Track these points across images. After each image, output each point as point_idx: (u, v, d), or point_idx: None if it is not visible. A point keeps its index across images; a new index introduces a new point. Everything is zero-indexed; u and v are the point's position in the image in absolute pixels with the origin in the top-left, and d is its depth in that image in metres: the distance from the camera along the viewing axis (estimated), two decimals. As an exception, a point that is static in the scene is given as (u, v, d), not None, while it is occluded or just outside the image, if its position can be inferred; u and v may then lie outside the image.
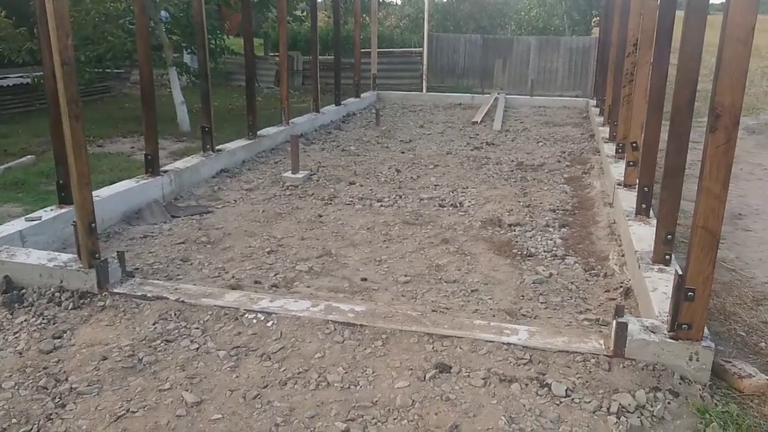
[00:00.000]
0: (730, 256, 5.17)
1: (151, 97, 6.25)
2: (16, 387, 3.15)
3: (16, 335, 3.65)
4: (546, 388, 3.07)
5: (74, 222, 4.03)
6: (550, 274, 4.67)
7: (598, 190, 6.86)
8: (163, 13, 10.90)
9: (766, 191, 7.23)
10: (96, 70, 10.91)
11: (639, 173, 5.21)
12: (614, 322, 3.31)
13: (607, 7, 11.23)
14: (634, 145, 6.00)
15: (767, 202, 6.74)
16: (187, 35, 11.09)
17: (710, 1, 3.90)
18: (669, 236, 4.11)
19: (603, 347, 3.37)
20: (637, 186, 5.45)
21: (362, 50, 13.54)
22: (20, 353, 3.46)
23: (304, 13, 15.91)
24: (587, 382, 3.12)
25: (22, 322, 3.78)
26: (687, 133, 3.94)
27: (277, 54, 19.36)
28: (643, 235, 4.73)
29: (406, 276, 4.63)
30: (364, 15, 16.11)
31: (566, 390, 3.05)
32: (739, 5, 2.78)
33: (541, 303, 4.21)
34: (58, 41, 3.63)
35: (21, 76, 12.27)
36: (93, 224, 4.03)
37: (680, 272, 3.20)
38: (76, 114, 3.82)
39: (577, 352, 3.34)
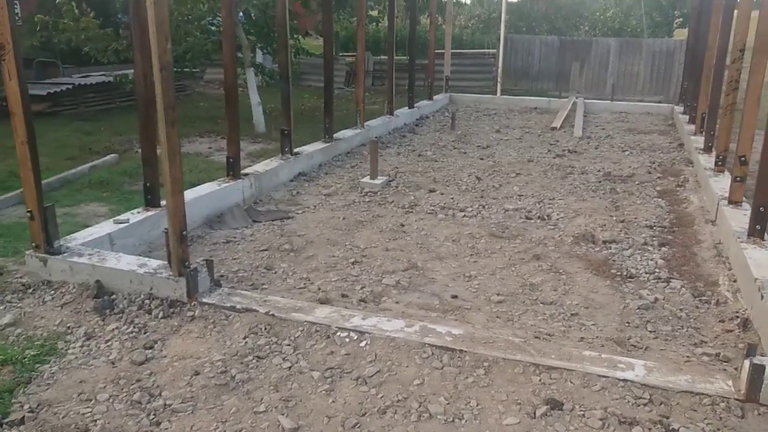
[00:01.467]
0: None
1: (234, 99, 6.20)
2: (111, 400, 3.09)
3: (108, 343, 3.61)
4: (672, 435, 2.79)
5: (166, 229, 3.97)
6: (656, 299, 4.33)
7: (697, 205, 6.42)
8: (240, 13, 10.97)
9: None
10: (176, 70, 11.04)
11: (755, 191, 4.79)
12: (748, 362, 2.98)
13: (701, 8, 10.61)
14: (743, 159, 5.56)
15: None
16: (262, 36, 11.12)
17: None
18: (798, 265, 3.73)
19: (733, 389, 3.05)
20: (750, 204, 5.03)
21: (435, 51, 13.30)
22: (113, 363, 3.41)
23: (378, 13, 15.78)
24: (718, 429, 2.82)
25: (113, 329, 3.74)
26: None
27: (346, 54, 19.42)
28: (760, 260, 4.34)
29: (498, 295, 4.38)
30: (438, 15, 15.85)
31: (696, 438, 2.76)
32: None
33: (650, 332, 3.89)
34: (158, 45, 3.56)
35: (103, 74, 12.60)
36: (184, 232, 3.96)
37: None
38: (173, 119, 3.76)
39: (703, 394, 3.03)
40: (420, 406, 3.00)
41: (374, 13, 15.60)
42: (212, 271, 4.12)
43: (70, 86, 11.61)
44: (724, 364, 3.47)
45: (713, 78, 7.94)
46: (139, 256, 4.49)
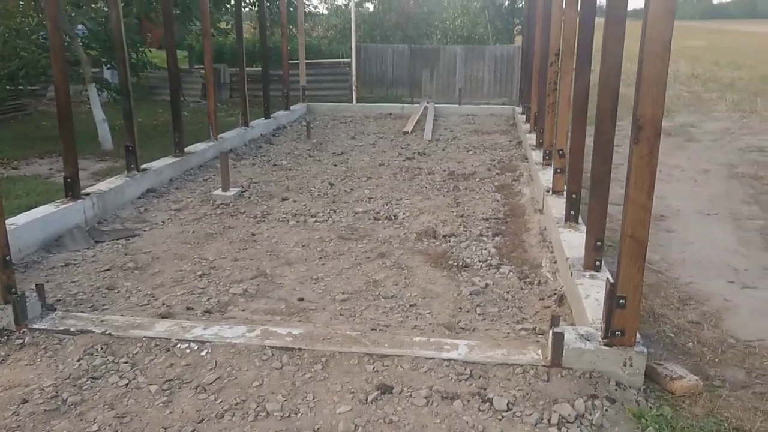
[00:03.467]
0: (655, 258, 5.37)
1: (68, 117, 5.95)
2: (-75, 440, 2.90)
3: (-76, 382, 3.37)
4: (488, 404, 3.08)
5: (-14, 255, 3.76)
6: (486, 285, 4.71)
7: (528, 197, 7.01)
8: (80, 27, 10.45)
9: (685, 192, 7.58)
10: (8, 87, 10.34)
11: (566, 180, 5.34)
12: (551, 332, 3.36)
13: (529, 16, 11.55)
14: (561, 152, 6.15)
15: (687, 203, 7.05)
16: (106, 50, 10.67)
17: (628, 8, 4.03)
18: (598, 243, 4.22)
19: (541, 358, 3.41)
20: (565, 193, 5.60)
21: (290, 62, 13.40)
22: (-71, 402, 3.20)
23: (229, 25, 15.62)
24: (527, 394, 3.15)
25: (-70, 366, 3.49)
26: (611, 141, 4.06)
27: (202, 67, 18.93)
28: (573, 241, 4.85)
29: (343, 294, 4.57)
30: (291, 26, 15.97)
31: (507, 404, 3.07)
32: (657, 22, 2.88)
33: (479, 315, 4.23)
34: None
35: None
36: (8, 257, 3.77)
37: (612, 280, 3.28)
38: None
39: (516, 364, 3.36)
40: (258, 406, 3.09)
41: (222, 25, 15.41)
42: (43, 295, 3.96)
43: None
44: (539, 336, 3.86)
45: (539, 80, 8.68)
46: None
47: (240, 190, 7.24)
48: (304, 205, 6.81)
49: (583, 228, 5.19)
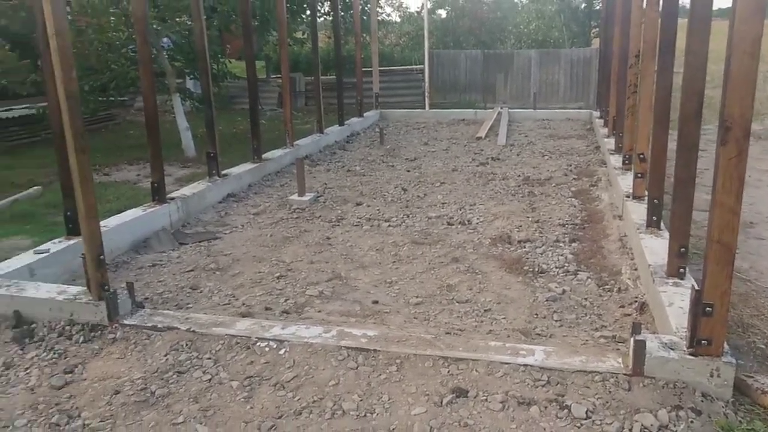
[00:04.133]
0: (744, 266, 5.11)
1: (155, 126, 6.26)
2: (29, 425, 3.12)
3: (27, 371, 3.62)
4: (566, 410, 3.02)
5: (83, 254, 4.01)
6: (563, 291, 4.61)
7: (607, 202, 6.82)
8: (165, 39, 10.98)
9: (776, 198, 7.17)
10: (100, 99, 10.97)
11: (648, 185, 5.16)
12: (632, 339, 3.26)
13: (607, 18, 11.26)
14: (642, 156, 5.96)
15: (778, 209, 6.68)
16: (189, 61, 11.16)
17: (713, 7, 3.88)
18: (682, 249, 4.07)
19: (622, 366, 3.32)
20: (646, 198, 5.42)
21: (363, 69, 13.59)
22: (32, 389, 3.43)
23: (305, 35, 16.00)
24: (607, 402, 3.07)
25: (32, 357, 3.75)
26: (696, 144, 3.90)
27: (279, 76, 19.52)
28: (655, 248, 4.68)
29: (417, 297, 4.58)
30: (364, 34, 16.19)
31: (586, 411, 3.00)
32: (745, 17, 2.76)
33: (556, 321, 4.15)
34: (63, 75, 3.64)
35: (26, 107, 12.36)
36: (101, 256, 4.01)
37: (697, 287, 3.15)
38: (82, 147, 3.82)
39: (595, 372, 3.28)
40: (334, 405, 3.15)
41: (298, 34, 15.80)
42: (133, 293, 4.18)
43: (-9, 120, 11.36)
44: (619, 344, 3.75)
45: (618, 83, 8.44)
46: (59, 284, 4.48)
47: (315, 195, 7.39)
48: (378, 209, 6.89)
49: (666, 234, 5.00)
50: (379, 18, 20.87)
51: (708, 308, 3.07)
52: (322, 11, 17.21)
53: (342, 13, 15.49)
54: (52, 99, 4.93)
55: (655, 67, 5.77)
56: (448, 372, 3.37)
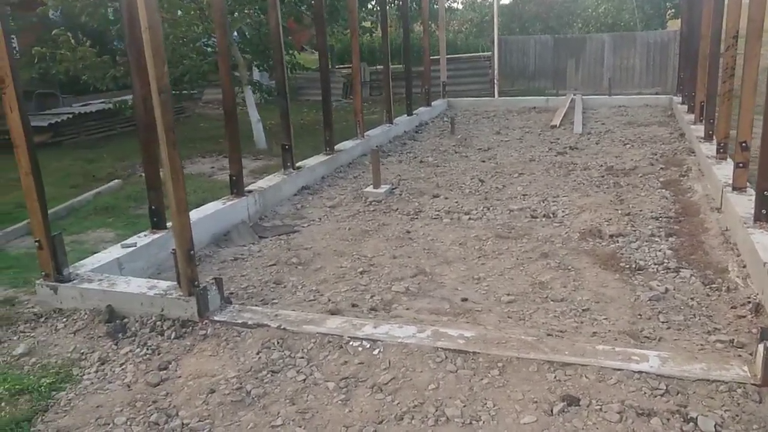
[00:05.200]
0: None
1: (234, 118, 6.24)
2: (128, 423, 3.10)
3: (123, 367, 3.62)
4: (691, 424, 2.78)
5: (173, 250, 3.99)
6: (666, 290, 4.32)
7: (701, 194, 6.42)
8: (234, 33, 11.04)
9: None
10: (174, 92, 11.12)
11: (758, 175, 4.78)
12: (761, 346, 2.97)
13: (691, -2, 10.64)
14: (744, 144, 5.55)
15: None
16: (258, 53, 11.19)
17: None
18: (807, 246, 3.72)
19: (749, 375, 3.04)
20: (754, 189, 5.03)
21: (430, 57, 13.35)
22: (128, 386, 3.42)
23: (373, 24, 15.87)
24: (737, 416, 2.81)
25: (127, 353, 3.75)
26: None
27: (342, 66, 19.52)
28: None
29: (508, 295, 4.38)
30: (431, 22, 15.91)
31: (715, 425, 2.75)
32: None
33: (663, 323, 3.88)
34: (155, 70, 3.60)
35: (102, 102, 12.70)
36: (192, 251, 3.98)
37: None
38: (173, 141, 3.79)
39: (719, 381, 3.02)
40: (437, 411, 3.00)
41: (367, 24, 15.67)
42: (222, 288, 4.14)
43: (71, 115, 11.70)
44: (739, 350, 3.46)
45: (709, 66, 7.94)
46: (148, 278, 4.50)
47: (390, 188, 7.26)
48: (456, 202, 6.69)
49: (778, 229, 4.64)
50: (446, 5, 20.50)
51: None
52: (389, -1, 16.99)
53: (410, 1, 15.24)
54: (138, 94, 4.97)
55: (759, 48, 5.38)
56: (555, 378, 3.17)
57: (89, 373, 3.59)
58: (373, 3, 15.46)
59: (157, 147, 4.88)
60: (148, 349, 3.76)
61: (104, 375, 3.57)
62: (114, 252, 4.92)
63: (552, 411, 2.93)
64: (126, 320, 4.08)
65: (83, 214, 7.12)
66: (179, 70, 10.16)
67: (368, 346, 3.57)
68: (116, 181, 8.36)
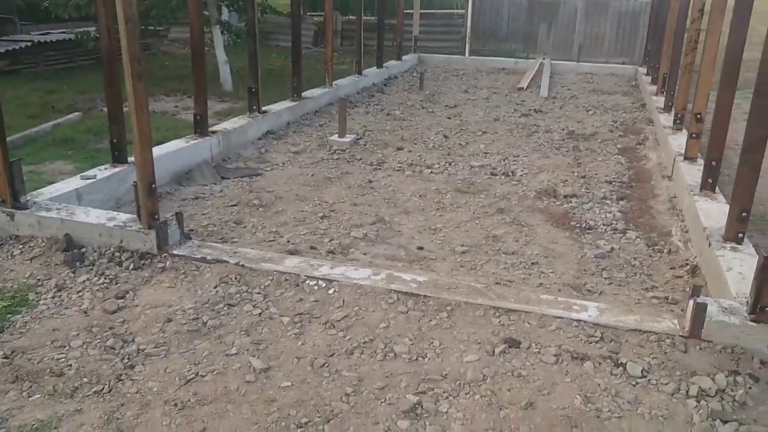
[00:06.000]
0: (799, 235, 4.97)
1: (201, 57, 6.16)
2: (84, 346, 3.16)
3: (80, 294, 3.66)
4: (621, 368, 2.98)
5: (134, 182, 4.00)
6: (612, 249, 4.53)
7: (655, 162, 6.65)
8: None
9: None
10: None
11: (707, 146, 4.98)
12: (692, 301, 3.19)
13: (665, -31, 10.72)
14: (699, 116, 5.75)
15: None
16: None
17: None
18: (744, 214, 3.94)
19: (678, 327, 3.26)
20: (703, 159, 5.25)
21: (404, 12, 13.22)
22: (85, 312, 3.48)
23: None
24: (663, 363, 3.02)
25: (84, 281, 3.78)
26: (771, 106, 3.73)
27: (314, 14, 19.13)
28: (710, 211, 4.56)
29: (462, 246, 4.54)
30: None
31: (642, 370, 2.96)
32: None
33: (605, 278, 4.09)
34: (123, -3, 3.54)
35: (63, 32, 12.26)
36: (153, 185, 4.00)
37: (765, 254, 3.05)
38: (139, 73, 3.76)
39: (650, 332, 3.23)
40: (385, 347, 3.15)
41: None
42: (182, 224, 4.18)
43: (29, 44, 11.28)
44: (672, 306, 3.69)
45: (674, 39, 8.10)
46: (108, 210, 4.50)
47: (355, 137, 7.30)
48: (419, 155, 6.78)
49: (721, 198, 4.88)
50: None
51: (777, 275, 2.98)
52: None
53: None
54: (103, 24, 4.87)
55: (721, 23, 5.52)
56: (500, 322, 3.34)
57: (45, 299, 3.62)
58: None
59: (120, 80, 4.83)
60: (105, 279, 3.80)
61: (61, 301, 3.60)
62: (73, 183, 4.89)
63: (494, 352, 3.10)
64: (84, 250, 4.09)
65: (41, 145, 6.98)
66: (145, 4, 9.86)
67: (324, 285, 3.69)
68: (76, 113, 8.18)
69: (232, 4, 11.32)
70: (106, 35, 4.88)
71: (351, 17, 16.93)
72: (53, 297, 3.64)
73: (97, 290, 3.69)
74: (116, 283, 3.77)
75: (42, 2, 9.17)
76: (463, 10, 16.31)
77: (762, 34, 4.54)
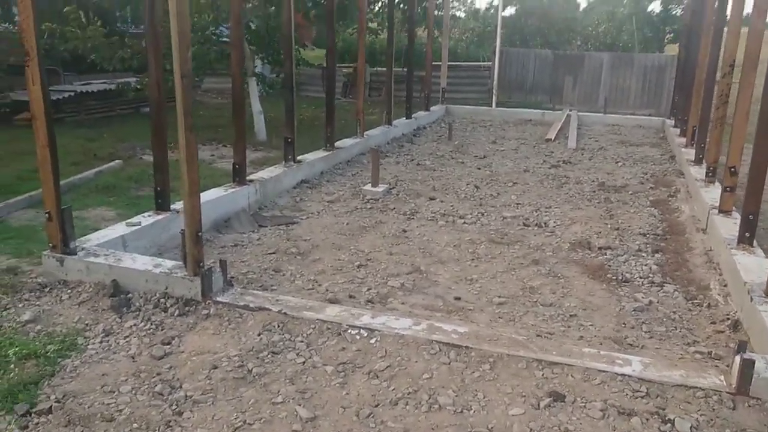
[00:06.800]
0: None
1: (241, 108, 6.38)
2: (133, 391, 3.22)
3: (127, 339, 3.74)
4: (669, 424, 2.96)
5: (182, 230, 4.12)
6: (650, 302, 4.52)
7: (688, 214, 6.64)
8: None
9: None
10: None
11: (744, 200, 4.99)
12: (738, 357, 3.17)
13: (691, 25, 10.92)
14: (733, 169, 5.77)
15: None
16: (264, 46, 11.30)
17: None
18: (786, 269, 3.93)
19: (724, 383, 3.23)
20: (740, 213, 5.25)
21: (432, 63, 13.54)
22: (133, 358, 3.55)
23: (377, 25, 16.04)
24: (712, 420, 2.99)
25: (131, 326, 3.87)
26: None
27: (342, 65, 19.63)
28: (749, 265, 4.54)
29: (500, 297, 4.56)
30: (434, 28, 16.11)
31: (691, 427, 2.93)
32: None
33: (645, 332, 4.07)
34: (179, 55, 3.73)
35: (104, 82, 12.75)
36: (200, 233, 4.12)
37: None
38: (190, 125, 3.92)
39: (696, 387, 3.21)
40: (430, 398, 3.16)
41: (373, 25, 15.85)
42: (225, 271, 4.28)
43: (72, 93, 11.75)
44: (716, 361, 3.65)
45: (704, 93, 8.18)
46: (153, 257, 4.62)
47: (388, 187, 7.42)
48: (452, 205, 6.86)
49: (759, 252, 4.87)
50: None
51: (826, 333, 2.96)
52: (396, 1, 17.16)
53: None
54: (153, 76, 5.09)
55: (753, 78, 5.61)
56: (543, 375, 3.34)
57: (94, 343, 3.71)
58: (379, 5, 15.63)
59: (166, 130, 5.05)
60: (151, 324, 3.89)
61: (108, 346, 3.69)
62: (119, 229, 5.03)
63: (539, 405, 3.10)
64: (130, 295, 4.20)
65: (84, 191, 7.20)
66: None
67: (365, 334, 3.73)
68: (117, 161, 8.44)
69: (266, 57, 11.71)
70: (156, 87, 5.10)
71: (378, 68, 17.34)
72: (101, 342, 3.72)
73: (144, 336, 3.77)
74: (162, 329, 3.85)
75: (88, 55, 9.57)
76: (489, 63, 16.63)
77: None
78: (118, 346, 3.68)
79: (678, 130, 10.91)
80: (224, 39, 10.48)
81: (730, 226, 5.45)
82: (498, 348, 3.54)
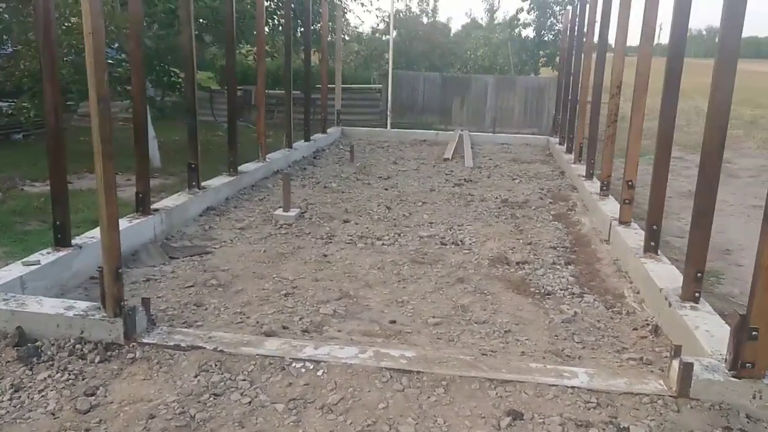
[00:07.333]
0: (734, 292, 5.36)
1: (144, 134, 6.01)
2: (61, 453, 2.87)
3: (43, 393, 3.34)
4: (624, 433, 3.05)
5: (99, 267, 3.77)
6: (575, 313, 4.69)
7: (589, 227, 7.01)
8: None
9: (741, 226, 7.59)
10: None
11: (648, 212, 5.33)
12: (677, 361, 3.34)
13: (569, 49, 11.68)
14: (630, 183, 6.17)
15: (747, 237, 7.05)
16: (151, 68, 10.77)
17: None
18: (699, 274, 4.22)
19: (665, 388, 3.39)
20: (635, 224, 5.62)
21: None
22: (53, 414, 3.16)
23: (273, 49, 15.83)
24: (662, 424, 3.12)
25: (45, 378, 3.46)
26: (717, 175, 4.08)
27: (238, 87, 19.19)
28: (660, 272, 4.85)
29: (434, 317, 4.55)
30: (315, 50, 16.13)
31: (645, 434, 3.04)
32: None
33: (578, 343, 4.21)
34: (95, 77, 3.43)
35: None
36: (120, 269, 3.78)
37: (740, 312, 3.27)
38: (110, 153, 3.61)
39: (642, 394, 3.34)
40: (390, 429, 3.06)
41: (268, 48, 15.60)
42: (149, 309, 3.95)
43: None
44: (649, 366, 3.84)
45: (591, 112, 8.74)
46: (62, 299, 4.19)
47: (300, 211, 7.26)
48: (367, 227, 6.82)
49: (665, 259, 5.21)
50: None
51: (754, 332, 3.19)
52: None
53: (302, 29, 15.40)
54: (49, 100, 4.69)
55: (646, 99, 6.04)
56: (497, 394, 3.35)
57: (2, 401, 3.27)
58: (269, 28, 15.44)
59: (65, 158, 4.66)
60: (69, 374, 3.50)
61: (21, 403, 3.26)
62: (15, 270, 4.52)
63: (500, 425, 3.08)
64: (39, 343, 3.76)
65: (-41, 228, 6.46)
66: (65, 80, 9.54)
67: (311, 367, 3.57)
68: (-6, 194, 7.66)
69: (154, 80, 11.17)
70: (52, 112, 4.69)
71: (272, 91, 17.08)
72: (11, 399, 3.29)
73: (63, 388, 3.38)
74: (83, 379, 3.47)
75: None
76: (380, 85, 16.88)
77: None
78: (33, 403, 3.27)
79: (564, 147, 11.57)
80: (109, 61, 9.86)
81: (632, 236, 5.81)
82: (449, 370, 3.51)
